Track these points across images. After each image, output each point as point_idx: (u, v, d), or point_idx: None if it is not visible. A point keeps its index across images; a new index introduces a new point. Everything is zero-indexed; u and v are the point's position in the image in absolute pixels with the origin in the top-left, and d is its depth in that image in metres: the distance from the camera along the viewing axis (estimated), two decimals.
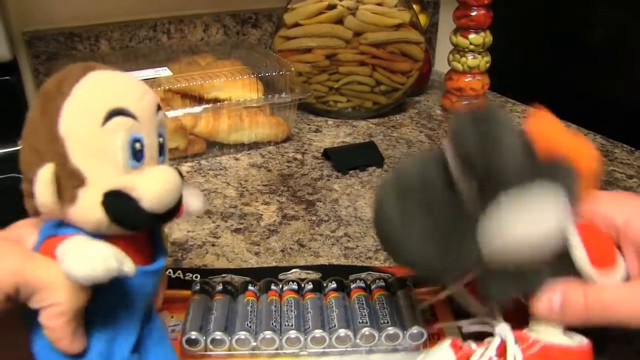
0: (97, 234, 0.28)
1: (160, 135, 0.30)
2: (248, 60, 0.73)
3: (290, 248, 0.51)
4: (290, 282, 0.43)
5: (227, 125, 0.67)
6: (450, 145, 0.31)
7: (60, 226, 0.28)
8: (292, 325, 0.38)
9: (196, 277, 0.45)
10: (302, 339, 0.38)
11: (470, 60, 0.78)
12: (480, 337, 0.35)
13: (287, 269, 0.47)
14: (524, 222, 0.29)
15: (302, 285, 0.43)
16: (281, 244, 0.51)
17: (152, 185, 0.28)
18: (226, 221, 0.55)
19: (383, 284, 0.43)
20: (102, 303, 0.28)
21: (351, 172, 0.65)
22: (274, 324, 0.38)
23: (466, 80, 0.80)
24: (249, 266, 0.48)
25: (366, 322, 0.38)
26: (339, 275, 0.44)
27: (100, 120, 0.27)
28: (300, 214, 0.56)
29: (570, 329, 0.33)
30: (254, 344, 0.37)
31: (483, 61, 0.79)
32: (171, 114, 0.62)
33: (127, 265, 0.26)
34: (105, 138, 0.27)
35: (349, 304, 0.41)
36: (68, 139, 0.27)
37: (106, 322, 0.29)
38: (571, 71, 0.80)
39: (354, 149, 0.69)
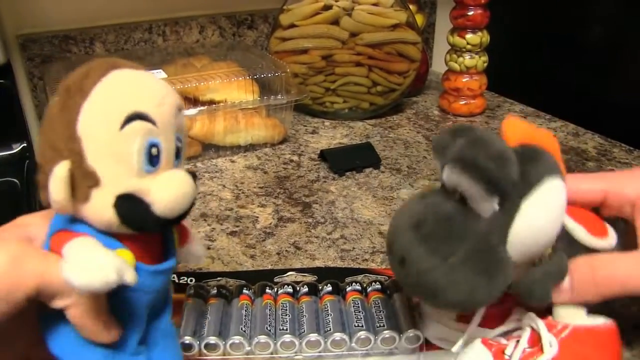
0: (108, 232, 0.28)
1: (178, 139, 0.30)
2: (244, 62, 0.73)
3: (286, 251, 0.50)
4: (285, 286, 0.42)
5: (223, 127, 0.67)
6: (464, 174, 0.30)
7: (73, 221, 0.28)
8: (286, 329, 0.38)
9: (191, 280, 0.44)
10: (297, 343, 0.37)
11: (468, 60, 0.78)
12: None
13: (283, 271, 0.46)
14: (547, 214, 0.31)
15: (297, 288, 0.42)
16: (277, 247, 0.51)
17: (165, 192, 0.28)
18: (222, 224, 0.54)
19: (379, 286, 0.42)
20: (111, 297, 0.29)
21: (348, 173, 0.64)
22: (269, 327, 0.38)
23: (463, 80, 0.79)
24: (244, 269, 0.47)
25: (362, 326, 0.38)
26: (335, 277, 0.43)
27: (118, 123, 0.27)
28: (296, 216, 0.56)
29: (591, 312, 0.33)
30: (248, 348, 0.37)
31: (480, 61, 0.78)
32: None
33: (129, 276, 0.26)
34: (122, 142, 0.27)
35: (344, 307, 0.40)
36: (85, 139, 0.27)
37: (115, 315, 0.29)
38: (569, 70, 0.79)
39: (351, 150, 0.69)
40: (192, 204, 0.30)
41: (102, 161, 0.27)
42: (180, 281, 0.44)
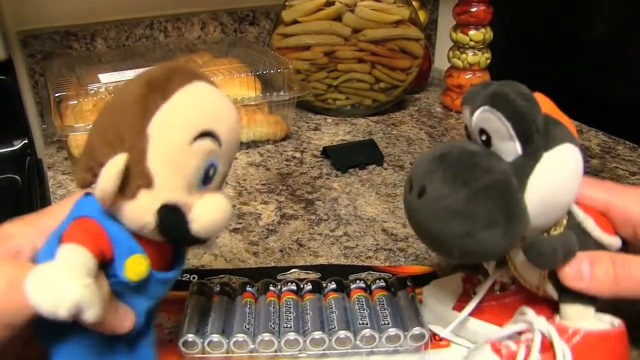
0: (134, 233, 0.28)
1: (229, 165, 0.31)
2: (246, 58, 0.73)
3: (289, 248, 0.50)
4: (289, 283, 0.42)
5: None
6: (495, 108, 0.30)
7: (103, 214, 0.28)
8: (290, 327, 0.38)
9: (194, 277, 0.44)
10: (301, 340, 0.37)
11: (471, 56, 0.78)
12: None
13: (286, 269, 0.46)
14: (566, 172, 0.31)
15: (301, 286, 0.42)
16: (280, 244, 0.50)
17: (207, 213, 0.29)
18: None
19: (383, 284, 0.42)
20: (117, 297, 0.29)
21: (350, 170, 0.64)
22: (273, 325, 0.38)
23: (466, 77, 0.79)
24: (247, 266, 0.47)
25: (366, 323, 0.38)
26: (338, 275, 0.43)
27: (191, 135, 0.27)
28: (299, 213, 0.55)
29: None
30: (252, 346, 0.37)
31: (483, 58, 0.78)
32: None
33: (90, 314, 0.24)
34: (188, 154, 0.27)
35: (348, 304, 0.40)
36: (154, 139, 0.27)
37: None
38: (572, 67, 0.79)
39: (354, 147, 0.68)
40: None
41: (162, 166, 0.27)
42: (183, 278, 0.44)
